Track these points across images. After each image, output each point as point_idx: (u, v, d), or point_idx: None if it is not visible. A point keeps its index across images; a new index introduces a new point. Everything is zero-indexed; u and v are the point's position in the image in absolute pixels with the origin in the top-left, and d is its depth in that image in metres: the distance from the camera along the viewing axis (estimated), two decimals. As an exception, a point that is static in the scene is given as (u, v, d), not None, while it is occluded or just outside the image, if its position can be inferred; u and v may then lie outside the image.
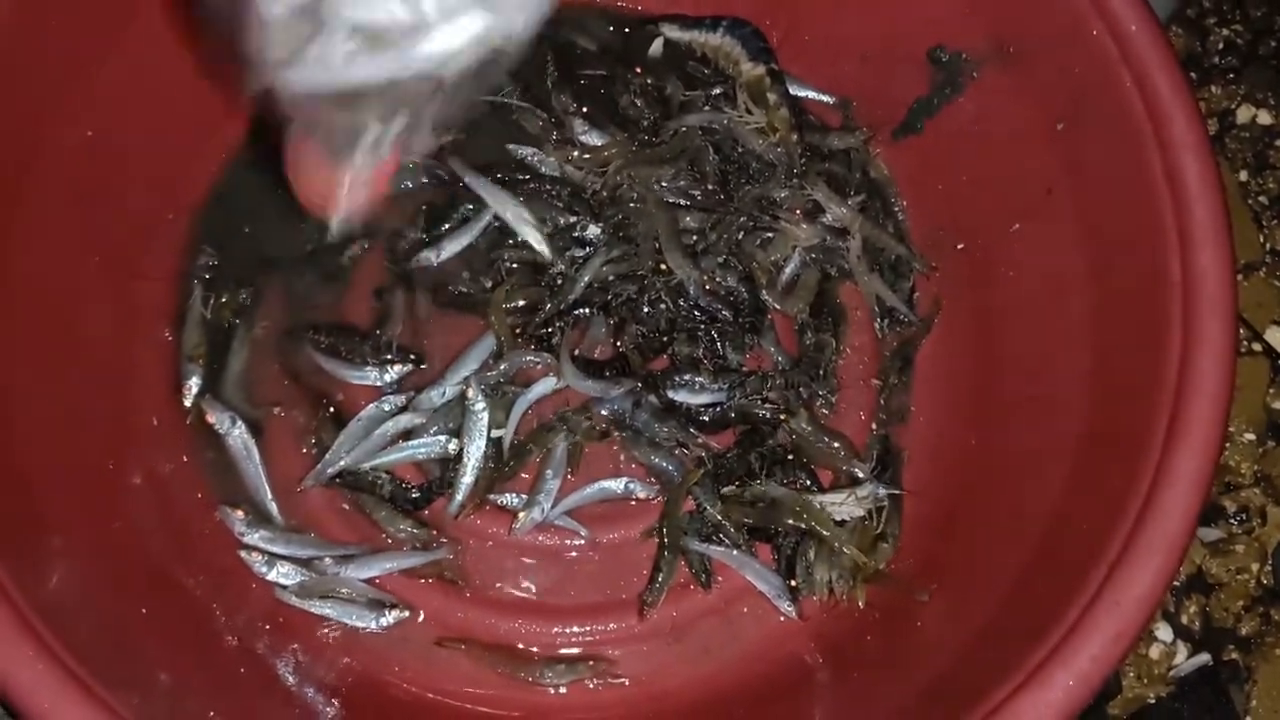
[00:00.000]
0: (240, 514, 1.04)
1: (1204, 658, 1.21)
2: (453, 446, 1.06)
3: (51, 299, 0.98)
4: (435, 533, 1.06)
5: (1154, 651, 1.21)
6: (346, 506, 1.07)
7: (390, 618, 1.01)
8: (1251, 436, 1.28)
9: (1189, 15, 1.44)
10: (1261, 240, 1.35)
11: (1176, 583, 1.23)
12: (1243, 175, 1.38)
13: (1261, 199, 1.37)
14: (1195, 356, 0.85)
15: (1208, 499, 0.83)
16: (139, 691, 0.80)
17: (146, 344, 1.07)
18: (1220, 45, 1.43)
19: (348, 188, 0.74)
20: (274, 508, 1.05)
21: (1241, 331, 1.31)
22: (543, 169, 1.15)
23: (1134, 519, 0.82)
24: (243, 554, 1.02)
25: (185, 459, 1.05)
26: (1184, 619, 1.23)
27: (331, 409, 1.09)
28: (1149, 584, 0.80)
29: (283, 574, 1.03)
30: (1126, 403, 0.89)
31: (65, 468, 0.94)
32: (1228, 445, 1.27)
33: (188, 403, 1.06)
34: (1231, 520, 1.25)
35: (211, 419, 1.05)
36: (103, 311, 1.03)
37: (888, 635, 1.01)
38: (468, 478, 1.05)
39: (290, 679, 1.00)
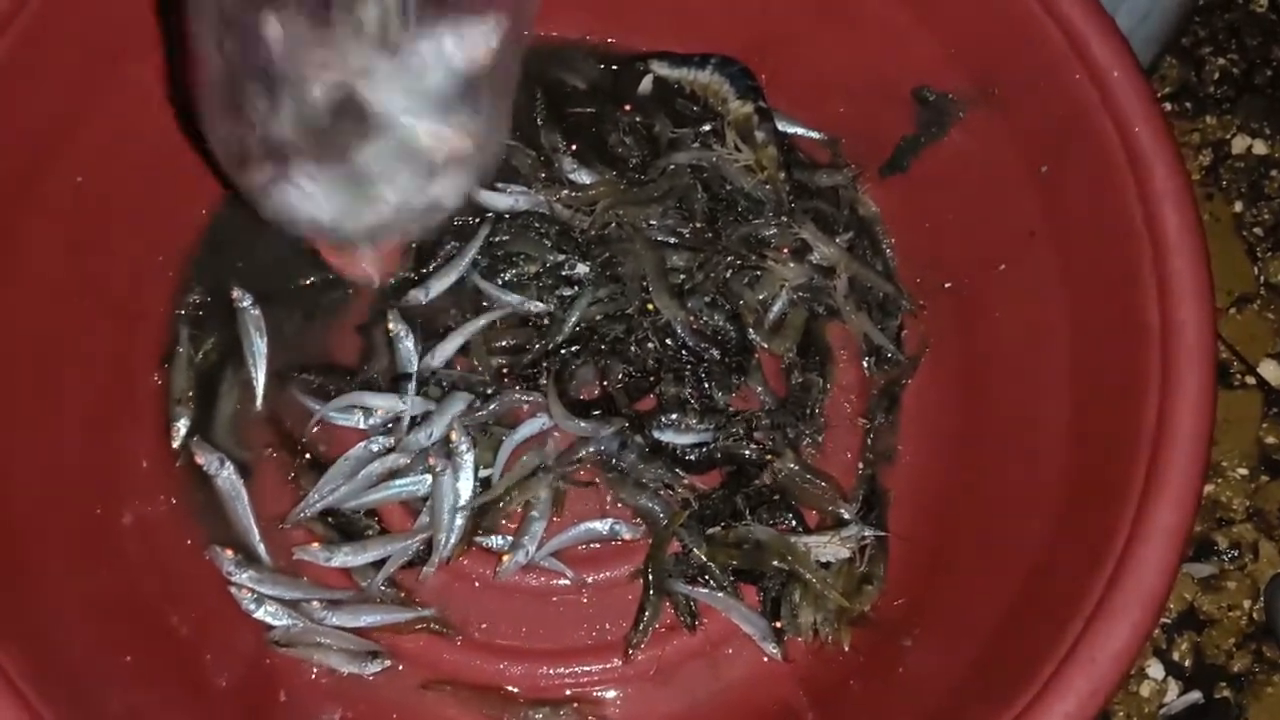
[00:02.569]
0: (229, 553, 1.04)
1: (1195, 695, 1.21)
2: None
3: (44, 345, 0.99)
4: (404, 594, 1.06)
5: (1145, 689, 1.21)
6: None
7: (375, 666, 1.02)
8: (1244, 471, 1.27)
9: (1184, 45, 1.43)
10: (1256, 273, 1.35)
11: (1168, 619, 1.23)
12: (1237, 206, 1.38)
13: (1256, 230, 1.37)
14: (1173, 409, 0.85)
15: (1185, 552, 0.83)
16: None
17: (136, 387, 1.08)
18: (1216, 75, 1.43)
19: (365, 261, 0.92)
20: (262, 549, 1.06)
21: (1235, 364, 1.31)
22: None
23: (1111, 573, 0.82)
24: (232, 590, 1.03)
25: (174, 501, 1.06)
26: (1175, 656, 1.22)
27: (308, 455, 1.10)
28: (1125, 640, 0.80)
29: (270, 613, 1.03)
30: (1105, 452, 0.89)
31: (54, 514, 0.95)
32: (1220, 480, 1.27)
33: (176, 444, 1.07)
34: (1223, 556, 1.25)
35: (200, 460, 1.05)
36: (93, 356, 1.04)
37: (871, 679, 1.01)
38: (458, 520, 1.05)
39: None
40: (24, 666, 0.80)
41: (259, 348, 1.10)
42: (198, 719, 0.95)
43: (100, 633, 0.92)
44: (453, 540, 1.04)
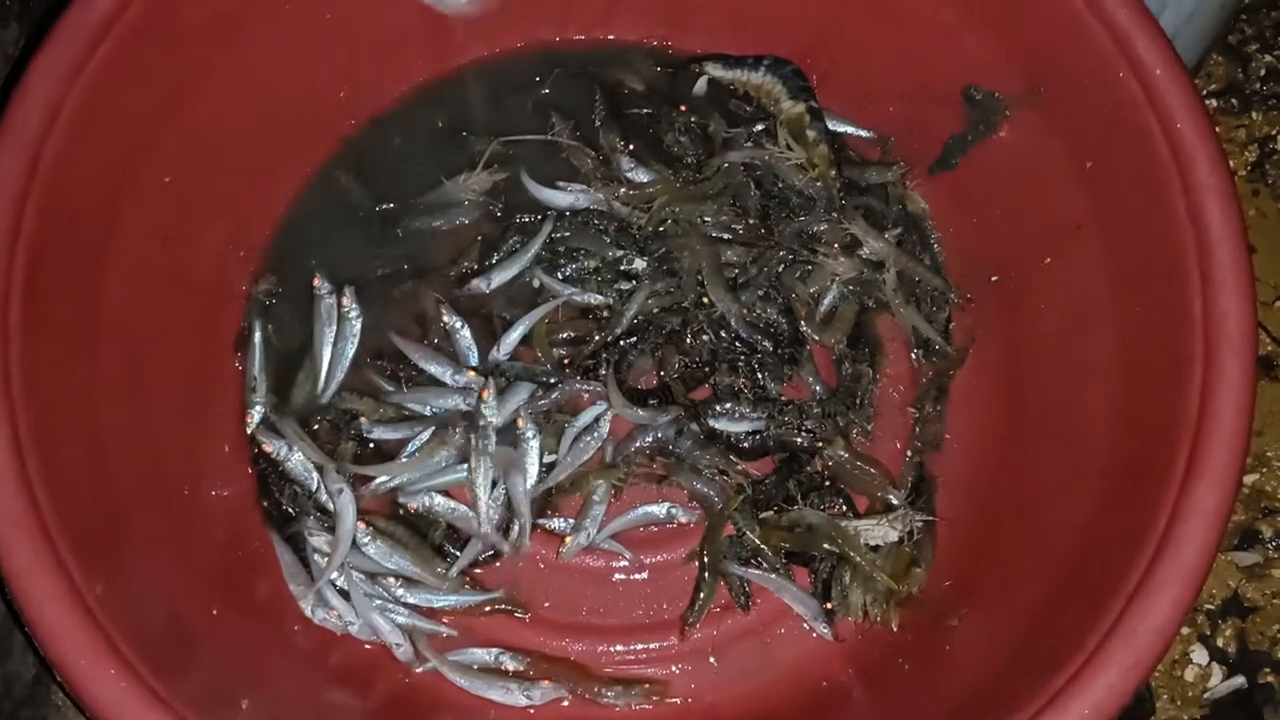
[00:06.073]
0: (309, 516, 1.09)
1: (1239, 680, 1.23)
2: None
3: (136, 337, 1.05)
4: (469, 579, 1.11)
5: (1189, 674, 1.23)
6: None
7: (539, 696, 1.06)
8: (1290, 462, 1.29)
9: (1231, 43, 1.45)
10: (1302, 267, 1.36)
11: (1212, 606, 1.25)
12: (1283, 201, 1.39)
13: (1303, 225, 1.38)
14: (1215, 395, 0.88)
15: (1224, 532, 0.86)
16: (211, 704, 0.86)
17: (219, 374, 1.14)
18: (1262, 72, 1.45)
19: None
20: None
21: (1281, 357, 1.33)
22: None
23: (1152, 551, 0.85)
24: (315, 556, 1.08)
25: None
26: (1220, 642, 1.24)
27: (373, 444, 1.14)
28: (1165, 615, 0.83)
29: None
30: (1148, 438, 0.92)
31: (148, 493, 1.01)
32: (1264, 470, 1.29)
33: (250, 430, 1.12)
34: (1268, 545, 1.27)
35: (268, 449, 1.10)
36: (180, 347, 1.10)
37: (919, 658, 1.04)
38: (524, 506, 1.09)
39: (359, 684, 1.06)
40: (126, 633, 0.86)
41: (328, 336, 1.15)
42: (280, 677, 1.01)
43: (190, 598, 0.98)
44: (527, 525, 1.09)
